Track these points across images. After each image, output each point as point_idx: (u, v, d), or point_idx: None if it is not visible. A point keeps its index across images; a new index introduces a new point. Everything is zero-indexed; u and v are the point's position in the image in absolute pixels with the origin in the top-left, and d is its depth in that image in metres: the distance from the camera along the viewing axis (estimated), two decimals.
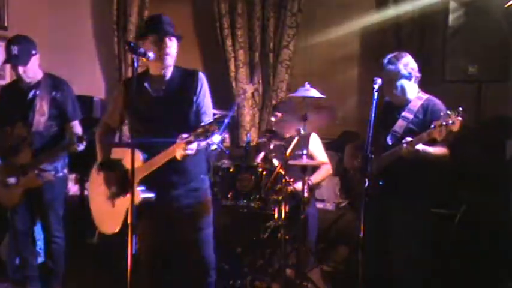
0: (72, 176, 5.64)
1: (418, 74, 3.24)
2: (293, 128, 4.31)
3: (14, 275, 3.93)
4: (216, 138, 2.59)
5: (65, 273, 3.87)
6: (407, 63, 3.20)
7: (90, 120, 4.20)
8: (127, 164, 2.89)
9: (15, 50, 3.54)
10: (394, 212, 3.17)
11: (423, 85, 3.35)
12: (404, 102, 3.23)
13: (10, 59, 3.58)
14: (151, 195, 2.86)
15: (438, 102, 3.21)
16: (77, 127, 3.68)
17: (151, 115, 2.89)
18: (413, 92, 3.24)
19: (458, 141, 4.26)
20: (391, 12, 5.07)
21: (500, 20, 4.21)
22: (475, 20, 4.32)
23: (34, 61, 3.62)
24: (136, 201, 2.76)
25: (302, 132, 3.85)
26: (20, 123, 3.64)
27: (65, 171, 3.76)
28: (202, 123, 2.60)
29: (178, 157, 2.70)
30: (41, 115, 3.61)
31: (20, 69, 3.59)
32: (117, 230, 2.95)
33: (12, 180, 3.60)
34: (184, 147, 2.64)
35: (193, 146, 2.67)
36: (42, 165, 3.59)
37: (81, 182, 5.15)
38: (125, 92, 2.98)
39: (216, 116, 2.60)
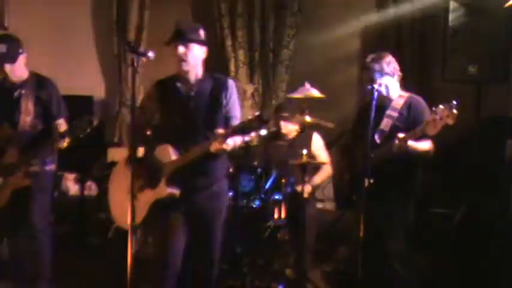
0: (72, 176, 5.66)
1: (400, 73, 3.30)
2: (295, 127, 4.34)
3: (14, 275, 3.92)
4: (254, 134, 2.70)
5: (63, 274, 3.83)
6: (390, 62, 3.25)
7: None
8: (161, 158, 3.00)
9: (3, 48, 3.51)
10: (381, 210, 3.18)
11: (423, 85, 3.37)
12: (387, 101, 3.26)
13: None
14: (176, 191, 2.94)
15: (420, 100, 3.27)
16: (62, 125, 3.66)
17: (182, 112, 3.01)
18: (395, 90, 3.29)
19: (458, 141, 4.28)
20: (391, 12, 5.08)
21: (500, 20, 4.21)
22: (475, 20, 4.32)
23: (21, 60, 3.60)
24: (163, 194, 2.94)
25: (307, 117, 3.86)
26: (6, 123, 3.62)
27: (53, 166, 3.71)
28: (243, 120, 2.72)
29: (213, 150, 2.80)
30: (27, 114, 3.59)
31: (7, 67, 3.56)
32: (137, 223, 3.01)
33: None
34: (221, 141, 2.76)
35: (231, 142, 2.81)
36: (31, 162, 3.57)
37: (82, 182, 5.16)
38: (157, 92, 3.10)
39: (257, 114, 2.68)
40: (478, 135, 4.37)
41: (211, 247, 3.12)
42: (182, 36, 2.98)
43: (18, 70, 3.61)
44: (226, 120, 3.04)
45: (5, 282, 3.91)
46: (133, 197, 2.64)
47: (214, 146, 2.80)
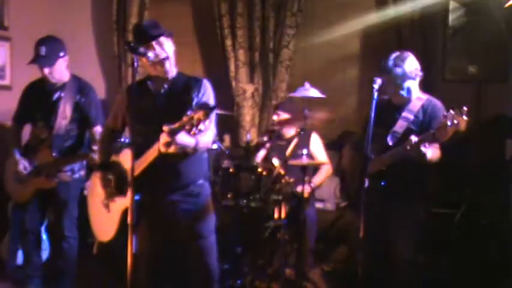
0: None
1: (421, 73, 3.24)
2: (294, 127, 4.33)
3: (14, 275, 3.92)
4: (202, 127, 2.42)
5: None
6: (412, 64, 3.19)
7: None
8: (124, 165, 2.87)
9: (42, 50, 3.56)
10: (393, 213, 3.16)
11: (423, 85, 3.35)
12: (405, 102, 3.22)
13: (37, 59, 3.59)
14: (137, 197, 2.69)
15: (438, 103, 3.20)
16: (99, 133, 3.67)
17: (151, 113, 2.84)
18: (416, 91, 3.24)
19: (458, 141, 4.28)
20: (391, 12, 5.07)
21: (500, 20, 4.21)
22: (475, 20, 4.32)
23: (61, 63, 3.63)
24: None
25: (305, 125, 3.84)
26: (41, 123, 3.66)
27: (82, 173, 3.73)
28: (187, 113, 2.47)
29: (162, 148, 2.57)
30: (63, 118, 3.61)
31: (46, 70, 3.59)
32: (112, 236, 2.91)
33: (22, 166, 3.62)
34: (168, 138, 2.52)
35: (182, 139, 2.57)
36: (62, 168, 3.61)
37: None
38: (129, 94, 2.95)
39: (202, 104, 2.47)
40: (478, 135, 4.37)
41: (202, 256, 2.90)
42: (151, 34, 2.80)
43: (57, 73, 3.63)
44: None
45: (5, 282, 3.91)
46: (133, 194, 2.55)
47: (162, 144, 2.56)
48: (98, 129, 3.66)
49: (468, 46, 4.33)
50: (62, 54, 3.63)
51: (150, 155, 2.71)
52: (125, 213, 2.78)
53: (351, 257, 4.25)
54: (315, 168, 4.46)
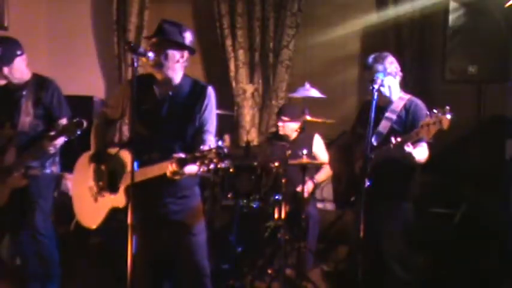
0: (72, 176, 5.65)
1: (401, 73, 3.28)
2: (296, 129, 4.36)
3: (14, 275, 3.92)
4: (212, 166, 2.40)
5: (64, 274, 3.83)
6: (392, 62, 3.24)
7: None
8: (122, 165, 2.86)
9: None
10: (379, 212, 3.18)
11: (423, 85, 3.36)
12: (388, 103, 3.24)
13: None
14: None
15: (420, 103, 3.24)
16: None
17: (153, 117, 2.85)
18: (396, 90, 3.27)
19: (458, 141, 4.29)
20: (391, 12, 5.08)
21: (500, 20, 4.21)
22: (475, 20, 4.32)
23: (20, 62, 3.63)
24: (120, 204, 2.81)
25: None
26: (8, 124, 3.66)
27: (54, 169, 3.72)
28: (202, 148, 2.46)
29: (168, 174, 2.60)
30: (26, 115, 3.61)
31: (5, 70, 3.59)
32: (94, 227, 2.95)
33: None
34: (176, 168, 2.54)
35: (189, 169, 2.58)
36: (28, 163, 3.58)
37: None
38: (132, 90, 2.85)
39: (218, 146, 2.43)
40: (478, 135, 4.37)
41: (193, 253, 2.91)
42: (159, 35, 2.83)
43: (17, 72, 3.63)
44: (198, 130, 2.85)
45: (5, 282, 3.91)
46: (132, 194, 2.59)
47: (169, 171, 2.58)
48: (63, 121, 3.62)
49: (468, 46, 4.34)
50: (19, 52, 3.62)
51: (154, 172, 2.71)
52: (112, 212, 2.84)
53: (351, 257, 4.25)
54: (318, 169, 4.47)
